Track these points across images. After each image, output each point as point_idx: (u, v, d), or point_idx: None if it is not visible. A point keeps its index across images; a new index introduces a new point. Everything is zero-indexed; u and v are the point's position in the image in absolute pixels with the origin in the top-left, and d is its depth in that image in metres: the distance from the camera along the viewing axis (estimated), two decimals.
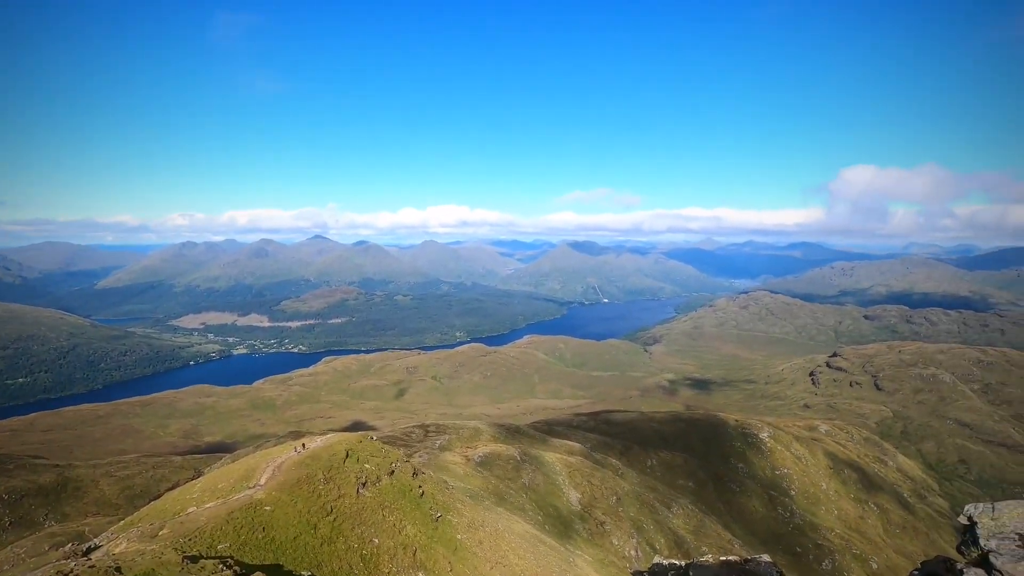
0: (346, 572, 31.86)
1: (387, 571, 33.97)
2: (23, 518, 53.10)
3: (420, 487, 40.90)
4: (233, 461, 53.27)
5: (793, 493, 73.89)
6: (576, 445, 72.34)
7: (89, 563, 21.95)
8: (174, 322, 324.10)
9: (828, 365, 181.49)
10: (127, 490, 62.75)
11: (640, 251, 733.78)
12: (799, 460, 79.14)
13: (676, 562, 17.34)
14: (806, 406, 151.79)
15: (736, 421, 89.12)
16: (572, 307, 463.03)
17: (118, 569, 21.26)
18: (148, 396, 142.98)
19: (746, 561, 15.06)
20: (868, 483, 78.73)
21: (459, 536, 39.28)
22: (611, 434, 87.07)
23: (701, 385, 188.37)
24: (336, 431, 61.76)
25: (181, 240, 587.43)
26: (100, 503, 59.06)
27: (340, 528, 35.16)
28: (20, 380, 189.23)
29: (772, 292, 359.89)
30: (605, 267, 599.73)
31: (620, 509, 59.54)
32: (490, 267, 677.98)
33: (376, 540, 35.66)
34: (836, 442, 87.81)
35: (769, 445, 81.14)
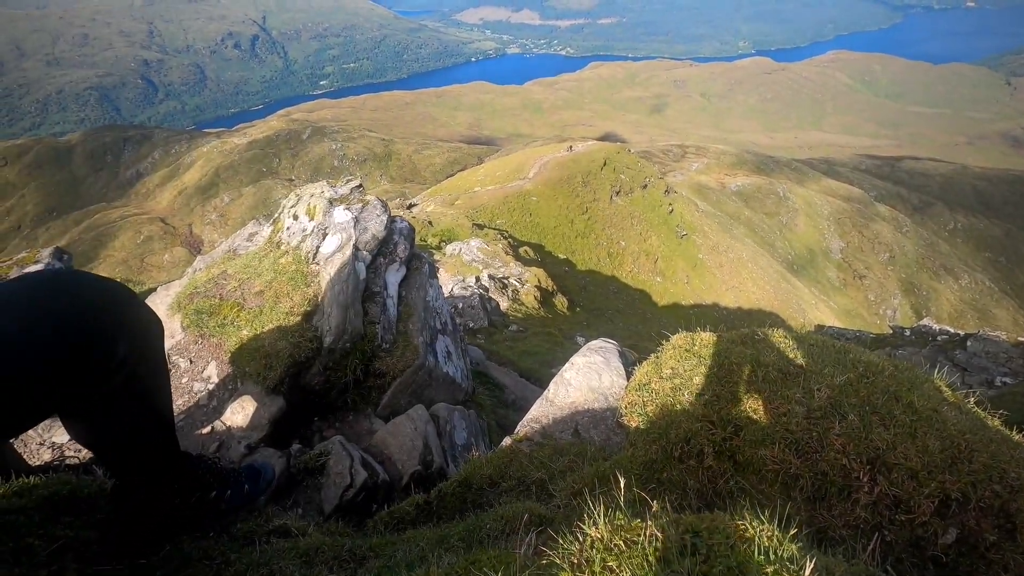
0: (594, 263, 36.57)
1: (629, 270, 37.97)
2: (367, 175, 70.86)
3: (670, 205, 41.54)
4: (507, 155, 60.46)
5: None
6: (856, 191, 62.73)
7: (412, 215, 29.00)
8: (456, 16, 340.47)
9: None
10: (431, 166, 77.78)
11: None
12: None
13: (951, 329, 15.31)
14: None
15: None
16: (913, 12, 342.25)
17: (430, 223, 27.74)
18: (440, 88, 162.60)
19: None
20: None
21: (700, 256, 40.61)
22: (909, 185, 72.58)
23: None
24: (597, 140, 63.52)
25: None
26: (413, 172, 75.02)
27: (592, 227, 39.10)
28: (352, 65, 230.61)
29: None
30: None
31: (890, 268, 53.26)
32: None
33: (623, 243, 39.11)
34: None
35: None
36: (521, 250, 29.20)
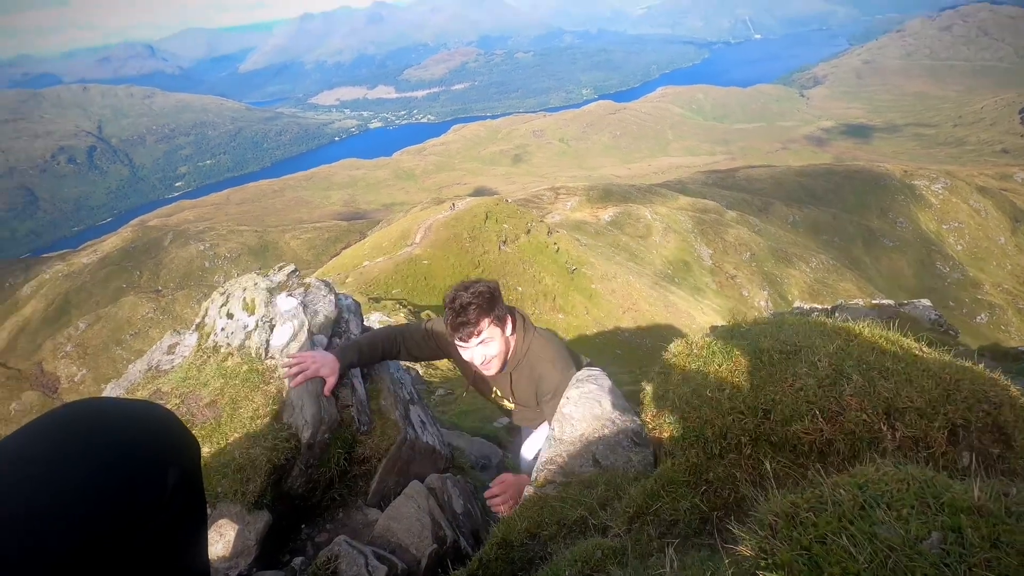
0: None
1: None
2: (245, 269, 66.73)
3: (555, 244, 43.50)
4: (389, 225, 60.31)
5: (960, 248, 67.53)
6: (710, 203, 70.11)
7: None
8: (312, 100, 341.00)
9: None
10: (312, 249, 75.32)
11: None
12: (976, 213, 70.14)
13: (818, 306, 17.32)
14: (1004, 151, 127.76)
15: (904, 172, 78.81)
16: (715, 48, 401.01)
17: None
18: (308, 171, 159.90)
19: (901, 304, 14.54)
20: None
21: (593, 286, 42.64)
22: (750, 191, 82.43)
23: (860, 133, 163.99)
24: (473, 196, 65.50)
25: (298, 14, 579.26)
26: (293, 259, 72.03)
27: (487, 278, 39.55)
28: (208, 161, 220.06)
29: (996, 2, 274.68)
30: None
31: (753, 264, 59.48)
32: (618, 7, 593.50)
33: (520, 288, 40.04)
34: None
35: (941, 197, 72.02)
36: (423, 315, 28.87)
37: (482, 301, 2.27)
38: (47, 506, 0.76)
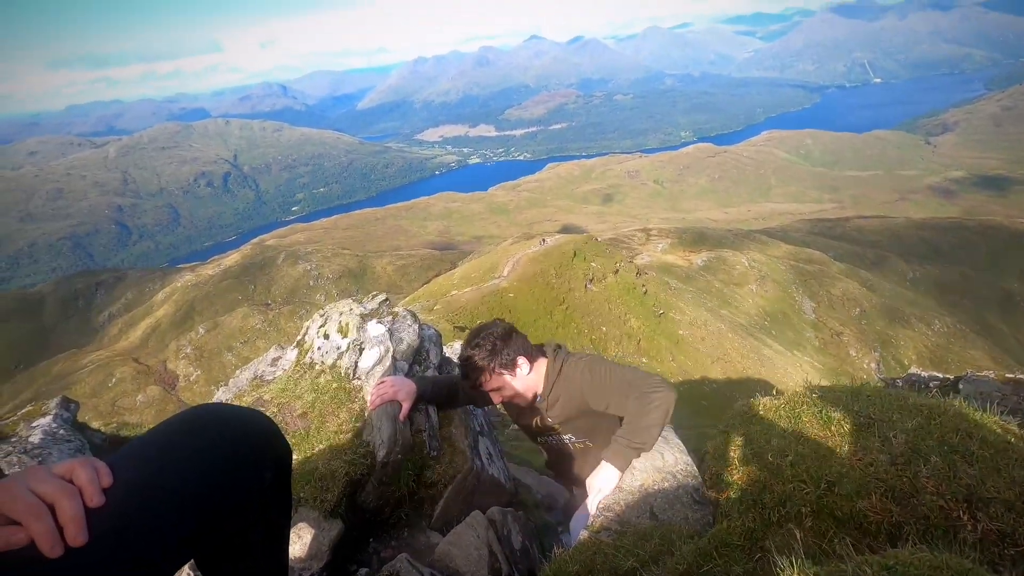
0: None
1: (613, 354, 37.92)
2: (343, 290, 71.44)
3: (643, 286, 42.60)
4: (479, 257, 62.18)
5: None
6: (816, 253, 65.62)
7: None
8: (418, 136, 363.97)
9: None
10: (405, 275, 79.10)
11: (942, 5, 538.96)
12: None
13: (939, 374, 15.48)
14: None
15: None
16: (828, 93, 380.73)
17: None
18: (409, 202, 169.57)
19: None
20: None
21: (681, 332, 41.05)
22: (862, 243, 76.40)
23: (997, 185, 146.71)
24: (562, 233, 65.96)
25: (413, 57, 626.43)
26: (387, 284, 75.97)
27: (571, 316, 39.52)
28: (322, 189, 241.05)
29: None
30: (883, 35, 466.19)
31: (863, 322, 54.52)
32: (723, 51, 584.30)
33: (604, 328, 39.44)
34: None
35: None
36: None
37: (482, 355, 2.29)
38: (177, 491, 0.96)
